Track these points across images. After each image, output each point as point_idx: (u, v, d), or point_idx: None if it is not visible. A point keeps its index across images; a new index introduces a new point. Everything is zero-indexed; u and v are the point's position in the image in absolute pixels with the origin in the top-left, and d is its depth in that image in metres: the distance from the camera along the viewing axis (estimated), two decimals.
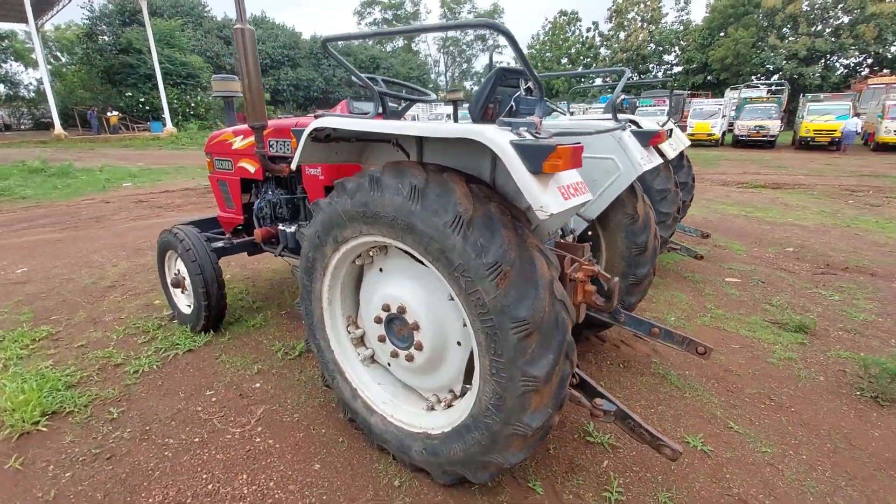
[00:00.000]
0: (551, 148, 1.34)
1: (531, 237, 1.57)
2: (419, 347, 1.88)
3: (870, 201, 8.58)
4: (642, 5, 46.92)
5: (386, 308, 1.94)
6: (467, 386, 1.85)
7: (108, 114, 26.57)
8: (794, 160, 16.31)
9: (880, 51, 32.06)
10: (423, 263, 1.86)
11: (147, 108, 27.98)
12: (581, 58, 49.91)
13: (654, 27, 46.29)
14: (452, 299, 1.75)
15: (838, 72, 34.36)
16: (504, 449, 1.65)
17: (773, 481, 2.00)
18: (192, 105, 28.65)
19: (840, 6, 32.47)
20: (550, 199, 1.39)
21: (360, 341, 2.25)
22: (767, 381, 2.73)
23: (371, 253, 2.03)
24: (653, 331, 2.61)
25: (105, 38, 28.46)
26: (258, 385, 2.74)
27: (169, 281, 3.50)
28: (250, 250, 3.69)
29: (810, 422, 2.39)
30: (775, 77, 34.23)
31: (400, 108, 3.09)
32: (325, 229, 1.93)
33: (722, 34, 37.10)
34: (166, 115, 26.06)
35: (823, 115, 18.89)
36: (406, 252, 1.89)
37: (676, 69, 45.21)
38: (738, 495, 1.92)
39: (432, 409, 2.00)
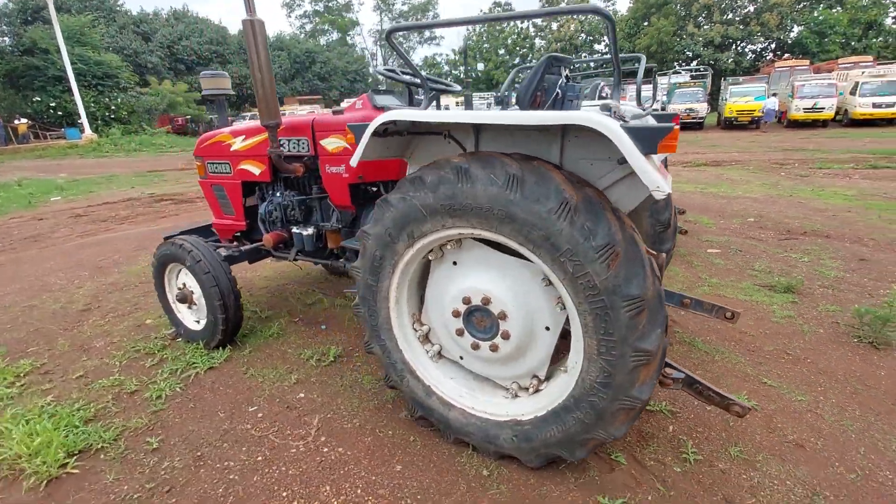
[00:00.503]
0: (669, 129, 1.39)
1: (626, 217, 1.63)
2: (506, 336, 1.89)
3: (799, 172, 9.55)
4: None
5: (467, 301, 1.93)
6: (561, 369, 1.89)
7: (15, 122, 23.72)
8: (722, 139, 17.76)
9: (782, 37, 35.52)
10: (503, 252, 1.87)
11: (59, 113, 25.28)
12: (517, 48, 51.08)
13: (583, 18, 48.23)
14: (549, 285, 1.78)
15: (748, 57, 37.68)
16: (609, 424, 1.71)
17: (818, 425, 2.22)
18: (113, 108, 26.21)
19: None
20: (662, 179, 1.45)
21: (426, 338, 2.22)
22: (779, 338, 3.01)
23: (442, 248, 2.00)
24: (684, 301, 2.77)
25: (5, 39, 25.33)
26: (302, 395, 2.62)
27: (173, 297, 3.24)
28: (254, 257, 3.50)
29: (827, 369, 2.66)
30: (694, 63, 36.91)
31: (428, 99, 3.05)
32: (398, 226, 1.88)
33: (646, 23, 39.38)
34: (83, 120, 23.68)
35: (743, 97, 20.69)
36: (484, 242, 1.89)
37: (607, 57, 47.46)
38: (794, 441, 2.12)
39: (516, 396, 2.03)
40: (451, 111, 1.82)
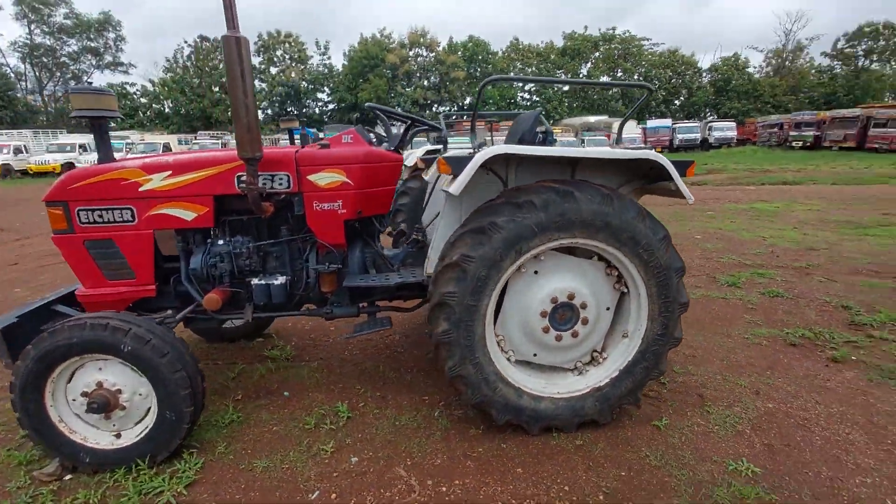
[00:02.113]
0: (691, 161, 2.26)
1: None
2: (584, 322, 2.39)
3: None
4: (287, 44, 50.06)
5: (554, 300, 2.32)
6: (621, 336, 2.50)
7: None
8: None
9: (463, 103, 46.62)
10: (573, 255, 2.38)
11: None
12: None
13: (303, 66, 50.28)
14: (609, 274, 2.39)
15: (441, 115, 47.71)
16: (660, 363, 2.44)
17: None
18: None
19: (434, 69, 45.13)
20: (690, 194, 2.31)
21: (501, 347, 2.44)
22: None
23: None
24: None
25: None
26: (355, 460, 2.30)
27: (68, 411, 2.17)
28: (189, 325, 2.71)
29: None
30: None
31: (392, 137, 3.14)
32: (508, 245, 2.13)
33: (362, 80, 44.47)
34: None
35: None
36: (560, 250, 2.35)
37: (331, 106, 50.83)
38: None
39: (585, 371, 2.52)
40: (551, 148, 2.23)
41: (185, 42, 47.34)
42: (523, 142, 2.77)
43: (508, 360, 2.44)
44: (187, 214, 2.53)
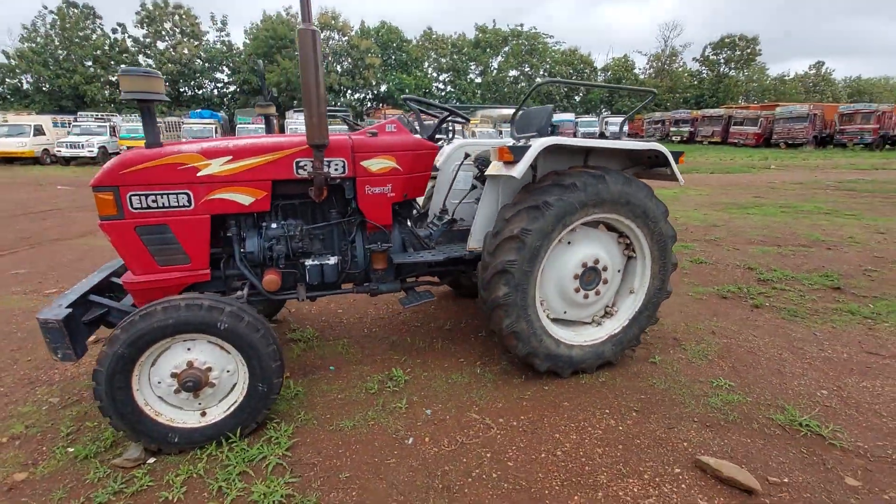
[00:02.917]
0: (682, 152, 2.90)
1: None
2: (605, 282, 2.94)
3: None
4: (178, 17, 44.95)
5: (584, 265, 2.84)
6: (629, 291, 3.10)
7: None
8: None
9: (378, 91, 45.96)
10: (596, 227, 2.91)
11: None
12: (112, 62, 42.41)
13: (197, 42, 45.58)
14: (621, 243, 2.97)
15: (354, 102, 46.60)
16: (655, 313, 3.09)
17: None
18: None
19: (347, 53, 43.80)
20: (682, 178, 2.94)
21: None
22: None
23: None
24: None
25: None
26: (429, 412, 2.62)
27: (154, 394, 2.22)
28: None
29: None
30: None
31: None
32: (558, 219, 2.58)
33: (269, 61, 41.64)
34: None
35: None
36: (587, 223, 2.86)
37: (232, 87, 46.92)
38: None
39: (601, 323, 3.09)
40: (588, 140, 2.71)
41: (46, 8, 40.11)
42: (542, 134, 3.23)
43: (548, 316, 2.92)
44: (245, 199, 2.60)
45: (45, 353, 2.91)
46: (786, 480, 2.09)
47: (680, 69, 54.16)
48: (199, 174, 2.48)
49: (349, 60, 44.43)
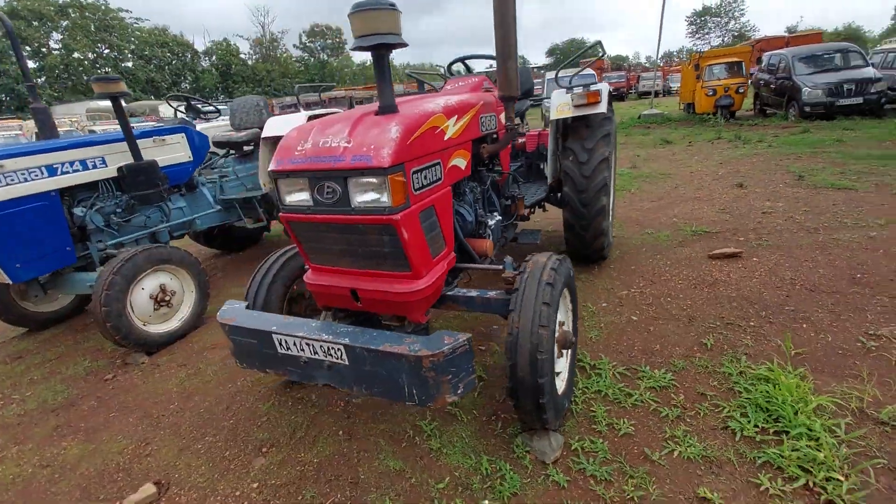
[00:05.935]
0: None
1: None
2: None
3: None
4: None
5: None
6: None
7: None
8: None
9: None
10: None
11: None
12: None
13: None
14: None
15: None
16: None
17: None
18: None
19: None
20: None
21: None
22: None
23: None
24: None
25: None
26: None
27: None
28: None
29: None
30: None
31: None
32: (610, 146, 3.61)
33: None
34: None
35: None
36: None
37: None
38: None
39: None
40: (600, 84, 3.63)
41: None
42: (529, 94, 3.99)
43: None
44: (462, 163, 2.33)
45: None
46: None
47: (284, 55, 56.77)
48: (444, 137, 2.08)
49: None
